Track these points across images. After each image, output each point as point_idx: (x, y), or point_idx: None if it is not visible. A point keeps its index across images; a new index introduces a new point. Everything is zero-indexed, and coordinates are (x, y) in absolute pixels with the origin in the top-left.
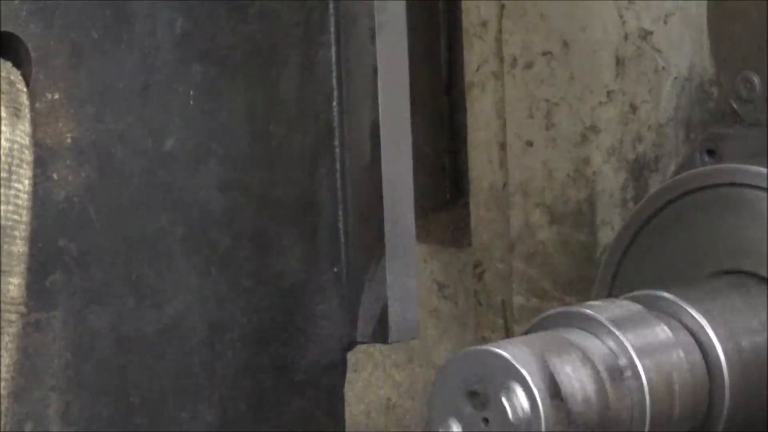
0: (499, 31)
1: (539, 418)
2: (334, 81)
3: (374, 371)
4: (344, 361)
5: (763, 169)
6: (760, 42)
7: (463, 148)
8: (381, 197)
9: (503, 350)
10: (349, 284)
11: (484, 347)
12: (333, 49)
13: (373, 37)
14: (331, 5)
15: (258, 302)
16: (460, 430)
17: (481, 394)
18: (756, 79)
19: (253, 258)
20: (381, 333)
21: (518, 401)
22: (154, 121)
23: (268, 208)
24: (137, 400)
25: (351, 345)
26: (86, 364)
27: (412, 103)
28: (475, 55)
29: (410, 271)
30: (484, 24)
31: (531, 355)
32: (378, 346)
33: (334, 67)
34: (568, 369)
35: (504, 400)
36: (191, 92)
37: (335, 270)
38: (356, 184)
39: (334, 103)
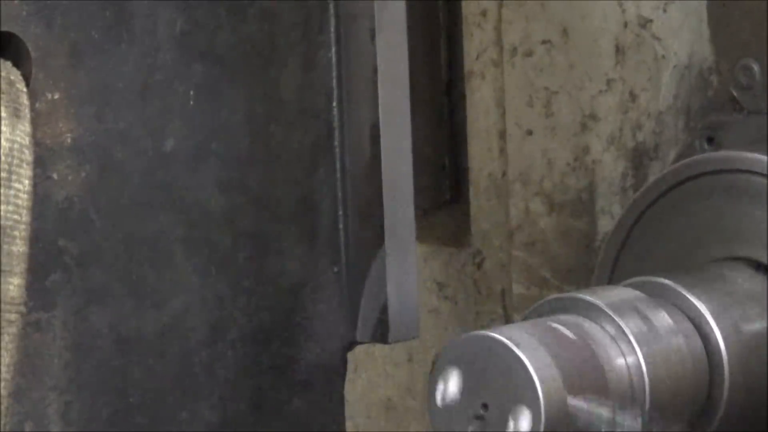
0: (499, 20)
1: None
2: (334, 81)
3: (374, 371)
4: (344, 361)
5: (763, 156)
6: (760, 30)
7: (463, 147)
8: (381, 197)
9: (503, 336)
10: (349, 284)
11: (483, 332)
12: (333, 49)
13: (373, 37)
14: (331, 5)
15: (258, 302)
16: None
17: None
18: (755, 67)
19: (253, 258)
20: (381, 333)
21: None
22: (154, 121)
23: (268, 208)
24: (137, 400)
25: (351, 345)
26: (86, 364)
27: (412, 103)
28: (475, 44)
29: (410, 271)
30: (483, 13)
31: (530, 337)
32: (378, 346)
33: (334, 67)
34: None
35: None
36: (191, 92)
37: (335, 270)
38: (356, 184)
39: (334, 103)
